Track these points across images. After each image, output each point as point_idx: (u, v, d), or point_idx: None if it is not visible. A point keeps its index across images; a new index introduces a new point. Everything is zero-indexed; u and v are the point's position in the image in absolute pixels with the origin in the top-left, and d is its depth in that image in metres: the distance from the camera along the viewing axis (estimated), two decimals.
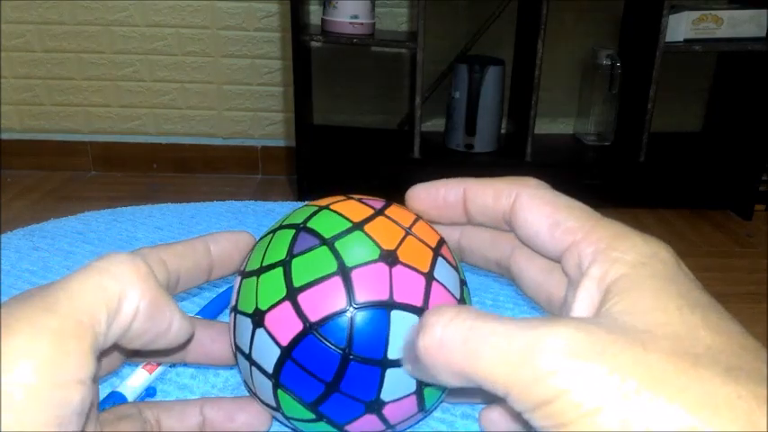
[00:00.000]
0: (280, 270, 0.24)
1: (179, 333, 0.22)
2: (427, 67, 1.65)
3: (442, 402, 0.27)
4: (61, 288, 0.19)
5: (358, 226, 0.24)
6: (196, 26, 1.84)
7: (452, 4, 1.80)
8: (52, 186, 1.85)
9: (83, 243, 0.46)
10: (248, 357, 0.24)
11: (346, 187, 1.74)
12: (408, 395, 0.24)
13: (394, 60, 1.88)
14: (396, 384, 0.23)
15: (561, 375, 0.16)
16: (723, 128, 1.87)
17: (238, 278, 0.26)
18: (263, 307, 0.23)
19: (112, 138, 1.95)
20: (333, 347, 0.22)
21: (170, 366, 0.32)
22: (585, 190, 1.76)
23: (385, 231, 0.24)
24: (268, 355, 0.23)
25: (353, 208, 0.25)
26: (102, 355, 0.21)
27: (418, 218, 0.26)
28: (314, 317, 0.23)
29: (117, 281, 0.20)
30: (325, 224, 0.25)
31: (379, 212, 0.25)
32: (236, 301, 0.25)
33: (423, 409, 0.25)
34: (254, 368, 0.24)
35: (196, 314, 0.37)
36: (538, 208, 0.23)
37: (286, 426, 0.26)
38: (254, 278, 0.25)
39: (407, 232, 0.25)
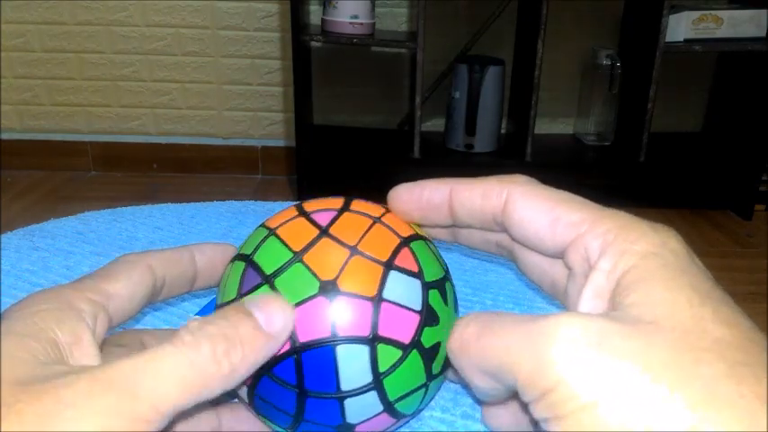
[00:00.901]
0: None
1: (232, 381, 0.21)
2: (427, 67, 1.65)
3: (426, 405, 0.26)
4: (142, 370, 0.18)
5: (297, 257, 0.23)
6: (196, 26, 1.84)
7: (452, 4, 1.80)
8: (52, 186, 1.85)
9: (83, 243, 0.46)
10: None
11: (346, 187, 1.75)
12: (378, 414, 0.23)
13: (394, 60, 1.88)
14: (360, 409, 0.23)
15: (565, 365, 0.16)
16: (723, 128, 1.87)
17: None
18: None
19: (112, 138, 1.95)
20: (287, 386, 0.23)
21: None
22: (585, 190, 1.75)
23: (326, 257, 0.23)
24: (240, 390, 0.24)
25: (299, 230, 0.24)
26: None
27: (375, 221, 0.25)
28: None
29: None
30: (268, 256, 0.24)
31: (324, 233, 0.24)
32: None
33: (400, 417, 0.24)
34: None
35: (196, 314, 0.37)
36: (534, 204, 0.22)
37: None
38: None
39: (352, 252, 0.23)
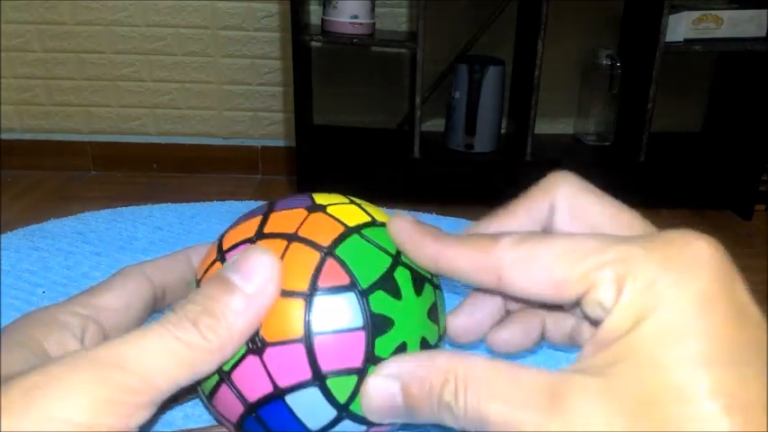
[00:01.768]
0: None
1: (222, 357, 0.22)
2: (427, 67, 1.65)
3: None
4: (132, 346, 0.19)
5: None
6: (196, 26, 1.84)
7: (452, 4, 1.80)
8: (52, 186, 1.85)
9: (83, 243, 0.46)
10: None
11: (346, 187, 1.74)
12: (367, 429, 0.23)
13: (394, 60, 1.88)
14: None
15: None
16: (723, 128, 1.87)
17: None
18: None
19: (112, 138, 1.95)
20: None
21: None
22: None
23: None
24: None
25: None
26: None
27: (290, 242, 0.22)
28: (230, 418, 0.23)
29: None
30: None
31: None
32: None
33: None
34: None
35: None
36: (530, 273, 0.20)
37: None
38: None
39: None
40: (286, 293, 0.21)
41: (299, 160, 1.68)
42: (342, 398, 0.21)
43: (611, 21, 1.83)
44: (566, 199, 0.22)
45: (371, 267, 0.22)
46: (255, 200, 0.56)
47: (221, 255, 0.23)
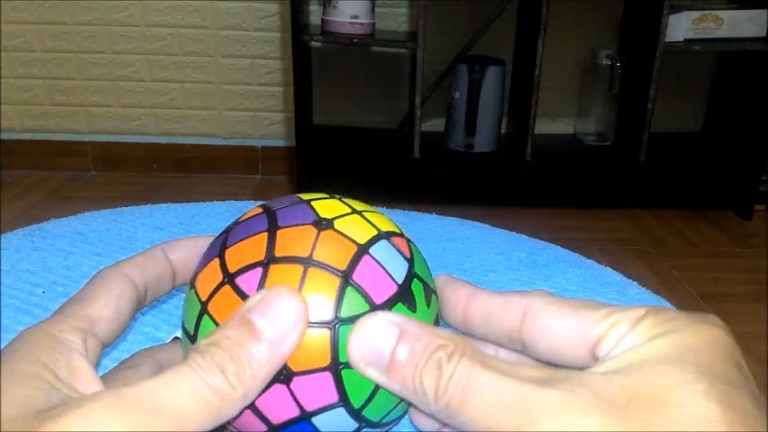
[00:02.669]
0: None
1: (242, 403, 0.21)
2: (427, 67, 1.65)
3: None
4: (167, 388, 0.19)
5: None
6: (196, 26, 1.84)
7: (452, 4, 1.80)
8: (52, 186, 1.85)
9: (83, 243, 0.46)
10: None
11: (346, 187, 1.75)
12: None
13: (394, 60, 1.88)
14: None
15: (539, 428, 0.17)
16: (723, 128, 1.87)
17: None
18: None
19: (112, 138, 1.95)
20: None
21: None
22: (585, 190, 1.76)
23: None
24: None
25: (229, 307, 0.22)
26: None
27: (307, 266, 0.22)
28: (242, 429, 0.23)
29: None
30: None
31: None
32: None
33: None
34: None
35: None
36: (557, 312, 0.21)
37: None
38: None
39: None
40: (311, 324, 0.21)
41: (299, 160, 1.68)
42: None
43: (611, 21, 1.83)
44: (542, 300, 0.23)
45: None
46: (255, 200, 0.56)
47: (230, 278, 0.22)
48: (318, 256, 0.22)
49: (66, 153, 1.94)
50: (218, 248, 0.24)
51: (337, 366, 0.21)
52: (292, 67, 1.60)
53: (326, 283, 0.22)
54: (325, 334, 0.21)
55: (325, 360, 0.21)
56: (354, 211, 0.24)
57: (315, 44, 1.79)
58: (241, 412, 0.22)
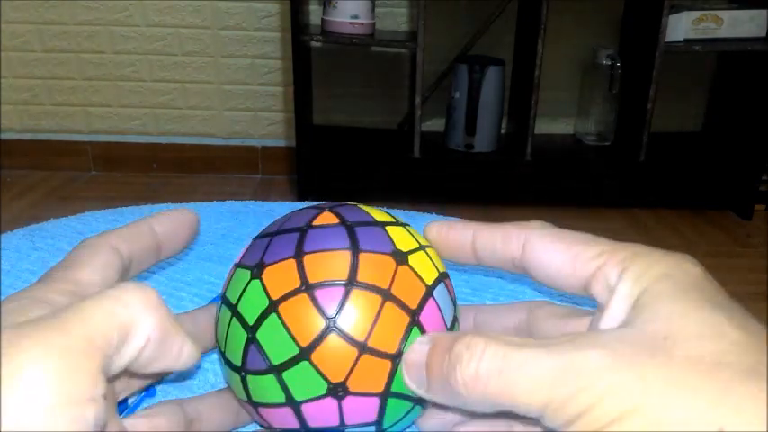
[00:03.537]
0: (238, 377, 0.24)
1: (188, 360, 0.22)
2: (427, 67, 1.65)
3: None
4: (73, 311, 0.19)
5: (305, 354, 0.22)
6: (196, 26, 1.84)
7: (452, 4, 1.80)
8: (52, 186, 1.85)
9: None
10: None
11: (346, 187, 1.75)
12: None
13: (394, 60, 1.88)
14: None
15: (594, 389, 0.18)
16: (723, 128, 1.87)
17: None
18: (235, 393, 0.25)
19: (112, 138, 1.95)
20: None
21: None
22: (585, 190, 1.76)
23: (334, 357, 0.22)
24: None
25: (303, 316, 0.23)
26: (113, 378, 0.21)
27: (385, 300, 0.23)
28: (275, 425, 0.24)
29: (128, 309, 0.20)
30: (272, 342, 0.23)
31: (330, 326, 0.22)
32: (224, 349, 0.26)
33: None
34: None
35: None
36: (552, 246, 0.24)
37: None
38: (221, 358, 0.25)
39: (361, 350, 0.22)
40: (376, 353, 0.23)
41: (299, 160, 1.68)
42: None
43: (611, 21, 1.83)
44: (538, 232, 0.25)
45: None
46: (255, 200, 0.56)
47: (308, 288, 0.23)
48: (395, 290, 0.24)
49: (66, 153, 1.94)
50: (294, 249, 0.24)
51: (387, 394, 0.23)
52: (292, 67, 1.60)
53: (398, 319, 0.23)
54: (387, 365, 0.23)
55: (380, 387, 0.23)
56: (421, 247, 0.26)
57: (315, 44, 1.79)
58: (279, 407, 0.23)
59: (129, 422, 0.23)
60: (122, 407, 0.26)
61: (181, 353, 0.21)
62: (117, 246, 0.24)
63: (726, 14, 1.61)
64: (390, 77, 1.90)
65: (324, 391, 0.23)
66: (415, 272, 0.24)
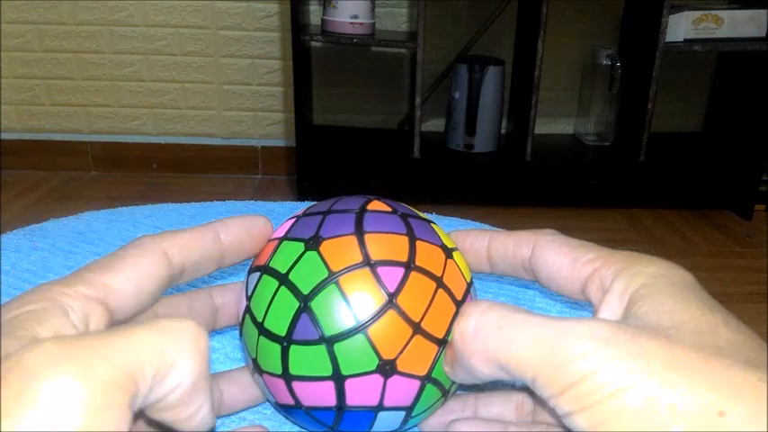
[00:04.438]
0: (278, 348, 0.23)
1: (201, 424, 0.20)
2: (427, 67, 1.65)
3: None
4: (122, 337, 0.18)
5: (362, 328, 0.23)
6: (196, 26, 1.84)
7: (452, 4, 1.80)
8: (52, 186, 1.85)
9: (83, 243, 0.46)
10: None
11: (346, 187, 1.74)
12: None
13: (394, 60, 1.88)
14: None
15: (590, 358, 0.17)
16: (723, 128, 1.87)
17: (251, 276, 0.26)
18: (262, 366, 0.25)
19: (112, 138, 1.95)
20: (321, 422, 0.24)
21: None
22: (585, 190, 1.76)
23: (389, 334, 0.23)
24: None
25: (365, 289, 0.23)
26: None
27: (438, 287, 0.24)
28: (306, 403, 0.24)
29: (177, 347, 0.18)
30: (328, 313, 0.23)
31: (391, 303, 0.23)
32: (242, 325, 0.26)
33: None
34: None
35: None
36: (557, 249, 0.25)
37: None
38: (255, 329, 0.25)
39: (415, 330, 0.23)
40: (428, 335, 0.23)
41: (299, 160, 1.68)
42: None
43: (611, 21, 1.83)
44: (547, 238, 0.26)
45: None
46: (255, 200, 0.56)
47: (371, 265, 0.23)
48: (446, 280, 0.25)
49: (66, 153, 1.94)
50: (353, 227, 0.25)
51: (428, 378, 0.24)
52: (292, 67, 1.60)
53: (447, 306, 0.24)
54: (434, 349, 0.24)
55: (424, 370, 0.24)
56: (456, 248, 0.27)
57: (315, 44, 1.79)
58: (322, 380, 0.23)
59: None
60: None
61: (198, 412, 0.20)
62: (170, 251, 0.23)
63: (726, 14, 1.61)
64: (390, 77, 1.90)
65: (373, 367, 0.23)
66: (459, 267, 0.26)
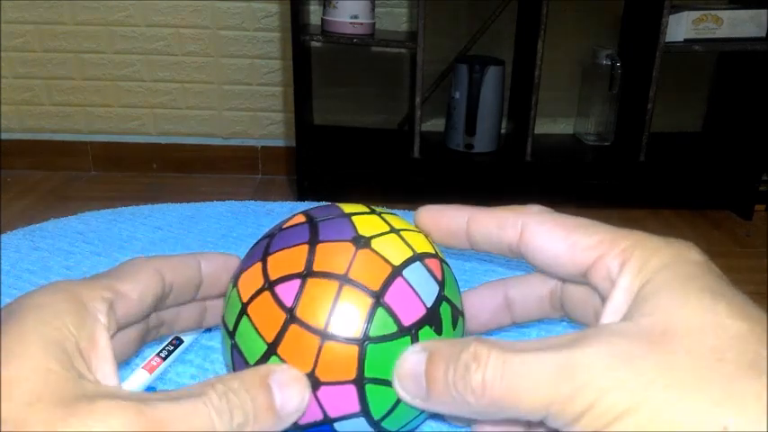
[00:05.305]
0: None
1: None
2: (427, 67, 1.65)
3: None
4: (173, 413, 0.19)
5: (272, 349, 0.23)
6: (196, 26, 1.84)
7: (452, 4, 1.80)
8: (52, 186, 1.85)
9: (83, 243, 0.46)
10: None
11: (346, 187, 1.74)
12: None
13: (394, 60, 1.88)
14: None
15: (594, 386, 0.18)
16: (723, 128, 1.87)
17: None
18: None
19: (112, 138, 1.95)
20: None
21: (169, 366, 0.32)
22: (585, 190, 1.76)
23: (298, 349, 0.23)
24: None
25: (267, 313, 0.23)
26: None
27: (342, 284, 0.23)
28: None
29: (222, 419, 0.20)
30: (247, 344, 0.24)
31: (291, 319, 0.23)
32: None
33: None
34: None
35: None
36: (550, 232, 0.23)
37: None
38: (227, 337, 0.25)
39: (323, 338, 0.22)
40: (341, 339, 0.22)
41: (299, 160, 1.68)
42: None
43: (611, 21, 1.83)
44: (536, 218, 0.24)
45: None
46: (255, 200, 0.56)
47: (270, 285, 0.24)
48: (354, 274, 0.23)
49: (67, 153, 1.94)
50: (262, 253, 0.25)
51: (362, 381, 0.23)
52: (292, 67, 1.60)
53: (359, 302, 0.23)
54: (354, 350, 0.22)
55: (351, 374, 0.23)
56: (392, 230, 0.26)
57: (315, 44, 1.79)
58: None
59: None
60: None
61: None
62: (161, 270, 0.25)
63: (726, 14, 1.61)
64: (390, 77, 1.90)
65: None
66: (379, 254, 0.24)
